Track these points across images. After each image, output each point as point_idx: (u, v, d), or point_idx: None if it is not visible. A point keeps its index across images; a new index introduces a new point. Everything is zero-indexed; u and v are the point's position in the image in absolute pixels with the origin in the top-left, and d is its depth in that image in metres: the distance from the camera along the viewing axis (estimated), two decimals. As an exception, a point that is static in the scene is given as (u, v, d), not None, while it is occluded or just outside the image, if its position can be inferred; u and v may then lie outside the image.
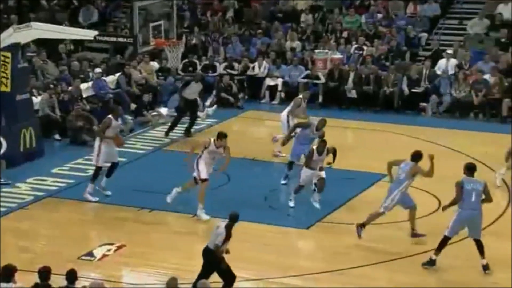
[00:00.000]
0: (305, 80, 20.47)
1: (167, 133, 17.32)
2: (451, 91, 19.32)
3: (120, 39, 18.23)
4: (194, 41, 22.11)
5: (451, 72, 19.67)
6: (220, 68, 21.08)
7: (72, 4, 24.07)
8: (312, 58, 20.86)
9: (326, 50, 20.88)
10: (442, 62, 19.96)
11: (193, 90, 17.29)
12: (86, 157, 15.73)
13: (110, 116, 13.43)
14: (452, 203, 10.99)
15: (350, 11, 22.48)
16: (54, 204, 13.46)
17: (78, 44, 21.58)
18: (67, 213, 13.09)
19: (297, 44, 21.68)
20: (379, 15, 22.19)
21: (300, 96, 16.43)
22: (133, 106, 18.84)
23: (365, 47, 21.00)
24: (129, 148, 16.37)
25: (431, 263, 10.99)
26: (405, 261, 11.33)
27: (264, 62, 20.81)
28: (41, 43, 19.30)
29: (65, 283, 8.88)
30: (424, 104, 19.46)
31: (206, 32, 22.74)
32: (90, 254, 11.44)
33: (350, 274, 10.85)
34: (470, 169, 11.04)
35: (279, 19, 22.85)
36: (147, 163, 15.60)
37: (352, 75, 20.06)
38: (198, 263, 11.10)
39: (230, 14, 23.61)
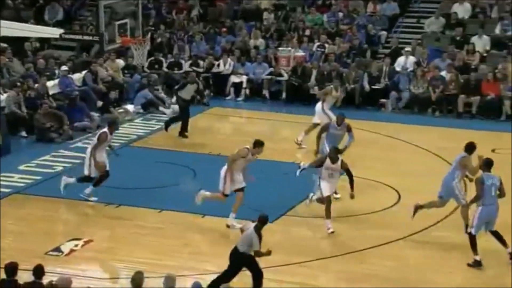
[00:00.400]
0: (269, 77, 20.51)
1: (181, 134, 16.91)
2: (410, 87, 19.49)
3: (86, 37, 18.01)
4: (159, 39, 21.97)
5: (409, 69, 19.84)
6: (186, 66, 20.98)
7: (38, 2, 23.74)
8: (275, 56, 20.88)
9: (289, 48, 20.91)
10: (401, 60, 20.12)
11: (189, 91, 17.10)
12: (53, 154, 15.55)
13: (106, 130, 13.12)
14: (474, 200, 10.93)
15: (312, 10, 22.54)
16: (21, 201, 13.25)
17: (44, 42, 21.28)
18: (34, 209, 12.89)
19: (260, 42, 21.68)
20: (340, 14, 22.29)
21: (332, 86, 16.48)
22: (99, 103, 18.67)
23: (327, 45, 21.07)
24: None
25: (476, 264, 10.87)
26: (364, 253, 11.35)
27: (229, 59, 20.75)
28: (6, 41, 18.98)
29: (32, 278, 8.74)
30: (384, 100, 19.60)
31: (171, 30, 22.62)
32: (58, 249, 11.29)
33: (312, 266, 10.87)
34: (489, 164, 10.98)
35: (243, 18, 22.82)
36: (114, 159, 15.42)
37: (314, 72, 20.12)
38: (164, 257, 11.09)
39: (195, 12, 23.52)
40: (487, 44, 20.12)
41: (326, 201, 11.85)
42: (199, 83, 17.71)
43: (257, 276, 9.78)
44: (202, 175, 14.27)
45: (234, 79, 20.56)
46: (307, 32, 21.72)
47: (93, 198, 13.03)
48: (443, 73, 19.38)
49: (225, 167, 12.13)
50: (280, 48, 21.05)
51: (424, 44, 20.64)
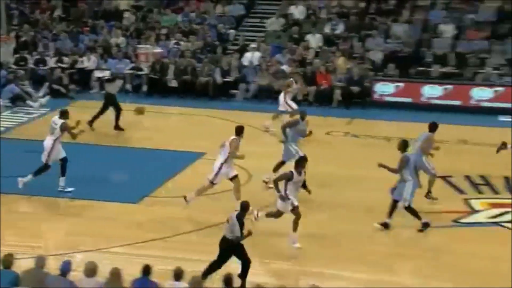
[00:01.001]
0: (131, 72, 20.17)
1: (116, 127, 16.24)
2: (256, 79, 19.86)
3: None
4: (24, 38, 20.97)
5: (255, 63, 20.20)
6: (51, 62, 20.21)
7: None
8: (135, 53, 20.57)
9: (148, 45, 20.66)
10: (248, 55, 20.44)
11: (116, 86, 16.61)
12: None
13: (65, 121, 12.62)
14: (395, 172, 11.15)
15: (167, 11, 22.37)
16: None
17: None
18: None
19: (121, 40, 21.25)
20: (193, 14, 22.28)
21: (291, 79, 16.57)
22: (-33, 98, 17.58)
23: (182, 43, 21.00)
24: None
25: (425, 225, 11.12)
26: (220, 228, 11.39)
27: (92, 56, 20.21)
28: None
29: None
30: (234, 91, 19.84)
31: (36, 29, 21.66)
32: None
33: (173, 241, 10.86)
34: (407, 145, 11.37)
35: (104, 18, 22.26)
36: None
37: (172, 67, 20.00)
38: (36, 239, 10.64)
39: (58, 12, 22.65)
40: (320, 41, 20.86)
41: (297, 213, 10.38)
42: (61, 77, 17.14)
43: (245, 264, 9.25)
44: (68, 163, 13.80)
45: (97, 74, 20.04)
46: (164, 31, 21.54)
47: (69, 189, 12.38)
48: (284, 66, 19.89)
49: (220, 160, 11.69)
50: (139, 46, 20.74)
51: (267, 41, 21.07)
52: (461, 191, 12.47)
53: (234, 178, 11.95)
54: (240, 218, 9.22)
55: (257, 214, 10.78)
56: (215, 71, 19.90)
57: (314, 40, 20.78)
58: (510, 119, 17.11)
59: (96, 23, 22.05)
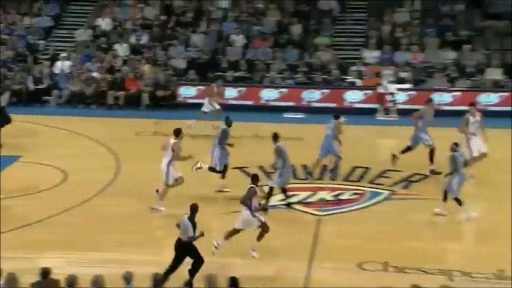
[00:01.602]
0: None
1: None
2: (69, 86, 19.43)
3: None
4: None
5: (67, 71, 19.79)
6: None
7: None
8: None
9: (-45, 55, 19.24)
10: (59, 64, 19.95)
11: (5, 100, 15.92)
12: None
13: None
14: (282, 165, 11.71)
15: (-28, 22, 20.99)
16: None
17: None
18: None
19: None
20: (1, 25, 21.11)
21: (214, 84, 17.03)
22: None
23: (-9, 52, 19.87)
24: None
25: (289, 205, 11.81)
26: (37, 224, 11.22)
27: None
28: None
29: None
30: (47, 97, 19.22)
31: None
32: None
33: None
34: (277, 136, 11.86)
35: None
36: None
37: (-18, 76, 18.84)
38: None
39: None
40: (127, 50, 20.93)
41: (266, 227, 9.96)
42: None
43: (198, 263, 9.10)
44: None
45: None
46: (-31, 41, 20.19)
47: None
48: (95, 74, 19.70)
49: (165, 162, 11.38)
50: None
51: (77, 50, 20.66)
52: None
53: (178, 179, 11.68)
54: (192, 219, 9.18)
55: (218, 244, 9.90)
56: (27, 79, 19.15)
57: (121, 49, 20.81)
58: (293, 116, 18.66)
59: None
